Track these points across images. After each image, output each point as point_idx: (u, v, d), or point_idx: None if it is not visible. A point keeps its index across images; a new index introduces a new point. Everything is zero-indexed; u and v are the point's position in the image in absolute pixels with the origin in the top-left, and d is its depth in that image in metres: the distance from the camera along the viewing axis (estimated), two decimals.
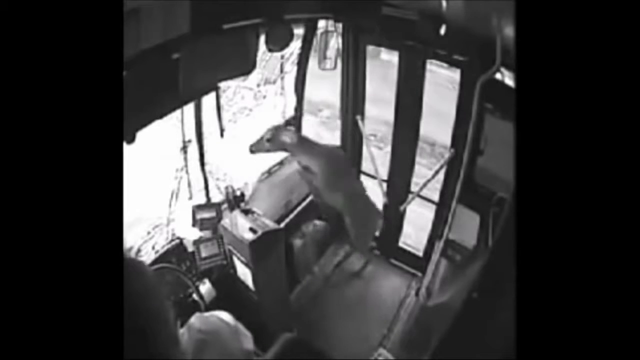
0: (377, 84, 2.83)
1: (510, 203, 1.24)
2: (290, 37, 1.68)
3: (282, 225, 2.23)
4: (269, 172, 2.43)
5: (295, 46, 2.35)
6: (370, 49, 2.45)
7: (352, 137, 2.64)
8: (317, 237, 2.62)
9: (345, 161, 1.98)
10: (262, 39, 1.59)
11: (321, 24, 2.22)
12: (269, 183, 2.39)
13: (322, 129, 5.53)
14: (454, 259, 1.99)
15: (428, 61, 2.20)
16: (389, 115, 2.47)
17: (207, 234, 1.93)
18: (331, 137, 3.96)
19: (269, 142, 1.78)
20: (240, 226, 1.86)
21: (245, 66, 1.58)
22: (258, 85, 3.03)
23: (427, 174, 2.47)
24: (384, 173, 2.58)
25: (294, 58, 2.50)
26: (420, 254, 2.65)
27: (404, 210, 2.57)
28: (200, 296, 1.66)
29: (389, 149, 2.61)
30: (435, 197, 2.48)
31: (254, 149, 1.82)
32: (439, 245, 2.06)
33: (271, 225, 1.90)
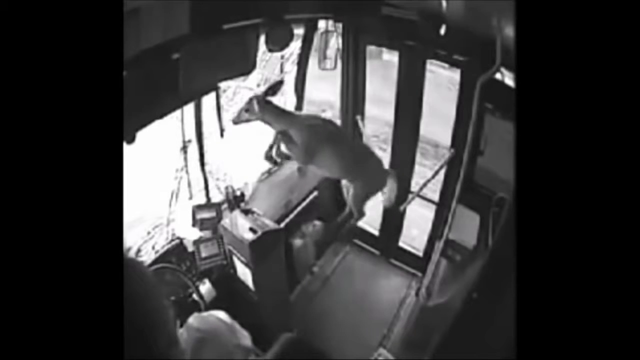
0: (378, 84, 2.82)
1: (510, 203, 1.24)
2: (290, 37, 1.68)
3: (282, 225, 2.23)
4: (269, 172, 2.43)
5: (295, 46, 2.35)
6: (372, 49, 2.45)
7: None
8: (317, 237, 2.61)
9: (329, 125, 1.90)
10: (262, 39, 1.58)
11: (321, 24, 2.21)
12: (269, 183, 2.39)
13: None
14: (454, 259, 1.99)
15: (428, 61, 2.20)
16: (389, 115, 2.47)
17: (207, 234, 1.93)
18: None
19: (247, 112, 1.77)
20: (240, 226, 1.85)
21: (245, 66, 1.57)
22: (258, 85, 3.02)
23: (429, 175, 2.46)
24: None
25: (294, 58, 2.49)
26: (420, 254, 2.65)
27: (404, 210, 2.57)
28: (200, 296, 1.67)
29: None
30: (436, 197, 2.48)
31: (236, 120, 1.81)
32: (439, 245, 2.05)
33: (271, 225, 1.89)
